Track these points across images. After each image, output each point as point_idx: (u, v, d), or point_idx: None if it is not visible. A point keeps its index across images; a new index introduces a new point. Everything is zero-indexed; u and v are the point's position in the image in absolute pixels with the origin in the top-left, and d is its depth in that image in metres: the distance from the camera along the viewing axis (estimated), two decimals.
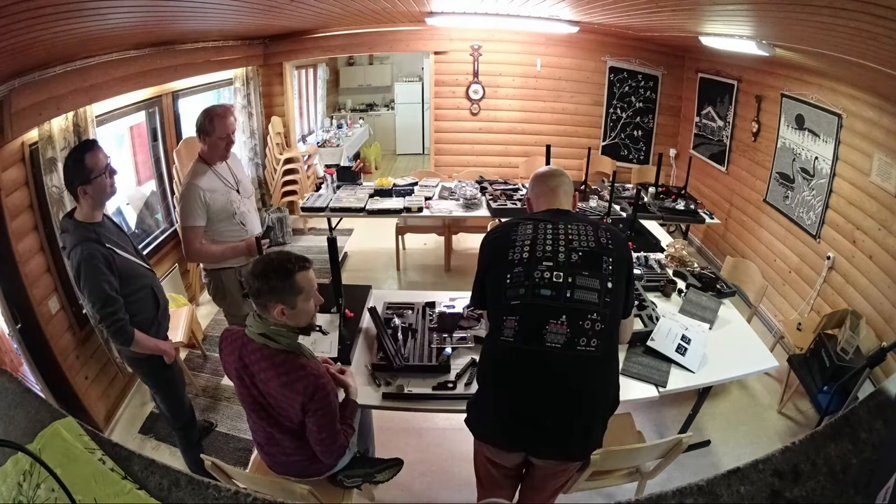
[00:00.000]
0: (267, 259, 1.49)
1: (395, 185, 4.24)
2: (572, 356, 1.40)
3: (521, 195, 3.99)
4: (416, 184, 4.33)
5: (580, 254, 1.47)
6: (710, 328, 2.34)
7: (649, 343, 2.15)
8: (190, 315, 3.14)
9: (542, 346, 1.40)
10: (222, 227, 2.39)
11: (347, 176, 4.41)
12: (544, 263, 1.46)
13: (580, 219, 1.59)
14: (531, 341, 1.42)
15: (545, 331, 1.40)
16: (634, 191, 4.03)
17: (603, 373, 1.46)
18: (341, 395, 1.75)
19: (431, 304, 2.42)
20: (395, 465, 1.97)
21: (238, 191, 2.46)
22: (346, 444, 1.63)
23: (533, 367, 1.42)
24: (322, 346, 2.13)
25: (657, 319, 2.28)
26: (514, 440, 1.51)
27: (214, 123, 2.28)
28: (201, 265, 2.65)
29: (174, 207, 3.74)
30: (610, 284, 1.45)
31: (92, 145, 1.87)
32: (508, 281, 1.48)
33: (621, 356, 2.13)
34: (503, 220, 1.58)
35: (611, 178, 3.68)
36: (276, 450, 1.67)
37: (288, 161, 5.22)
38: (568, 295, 1.42)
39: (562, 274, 1.44)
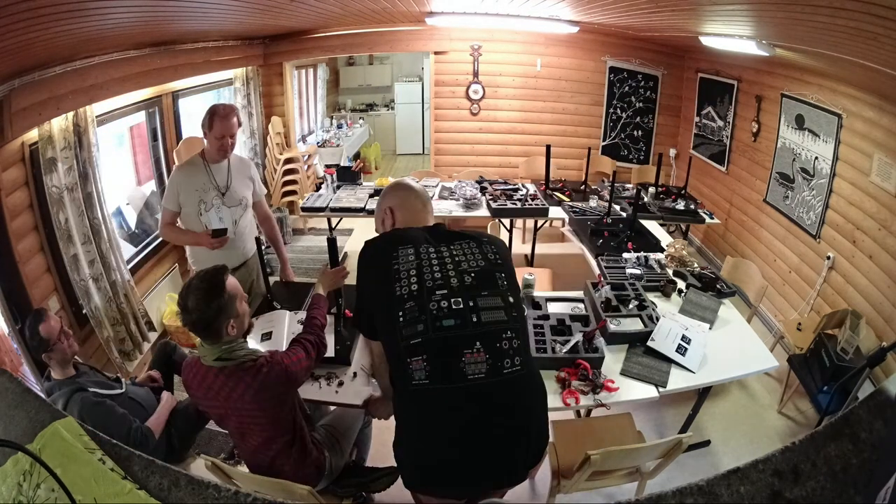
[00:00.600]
0: (195, 286, 1.45)
1: None
2: (500, 381, 1.27)
3: (521, 195, 3.99)
4: None
5: (472, 275, 1.36)
6: (710, 328, 2.34)
7: (649, 343, 2.15)
8: None
9: (464, 380, 1.24)
10: (189, 220, 2.47)
11: (347, 176, 4.41)
12: (438, 293, 1.32)
13: (459, 235, 1.50)
14: (451, 378, 1.25)
15: (462, 363, 1.25)
16: (634, 191, 4.03)
17: (531, 383, 1.36)
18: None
19: None
20: (391, 473, 1.96)
21: (223, 194, 2.46)
22: (319, 348, 1.76)
23: (461, 406, 1.26)
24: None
25: (657, 319, 2.28)
26: (459, 491, 1.34)
27: (214, 122, 2.32)
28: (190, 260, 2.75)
29: None
30: (511, 299, 1.37)
31: (41, 316, 1.85)
32: (402, 320, 1.30)
33: (621, 356, 2.14)
34: (382, 239, 1.51)
35: (611, 178, 3.68)
36: (263, 460, 1.68)
37: (288, 161, 5.22)
38: (475, 319, 1.29)
39: (461, 299, 1.31)
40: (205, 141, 2.41)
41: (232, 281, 1.52)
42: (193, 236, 2.47)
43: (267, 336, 2.09)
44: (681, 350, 2.11)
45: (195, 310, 1.43)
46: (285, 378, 1.55)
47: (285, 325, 2.16)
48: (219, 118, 2.31)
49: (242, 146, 4.90)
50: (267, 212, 2.79)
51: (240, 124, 2.46)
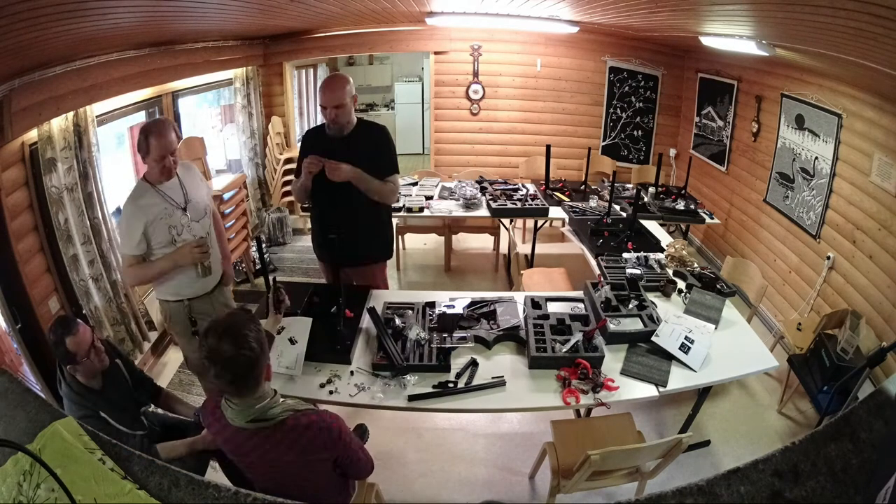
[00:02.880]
0: (226, 328, 1.25)
1: None
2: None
3: (521, 195, 3.99)
4: (416, 184, 4.33)
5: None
6: (715, 328, 2.33)
7: (654, 339, 2.16)
8: None
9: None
10: (163, 251, 2.12)
11: None
12: None
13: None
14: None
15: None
16: (634, 191, 4.03)
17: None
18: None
19: (431, 304, 2.42)
20: None
21: (185, 209, 2.15)
22: (368, 457, 1.56)
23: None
24: (287, 359, 2.00)
25: (658, 320, 2.28)
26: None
27: (150, 142, 2.00)
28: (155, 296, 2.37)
29: None
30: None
31: (70, 328, 1.66)
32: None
33: (621, 356, 2.14)
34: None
35: (611, 178, 3.68)
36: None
37: (288, 161, 5.21)
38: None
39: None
40: (145, 165, 2.10)
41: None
42: (171, 258, 2.11)
43: (294, 341, 2.06)
44: (684, 349, 2.11)
45: (235, 355, 1.22)
46: (333, 443, 1.38)
47: (307, 333, 2.12)
48: (154, 137, 1.99)
49: (243, 146, 4.90)
50: (216, 209, 2.52)
51: (179, 138, 2.16)
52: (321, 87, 2.32)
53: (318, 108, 2.26)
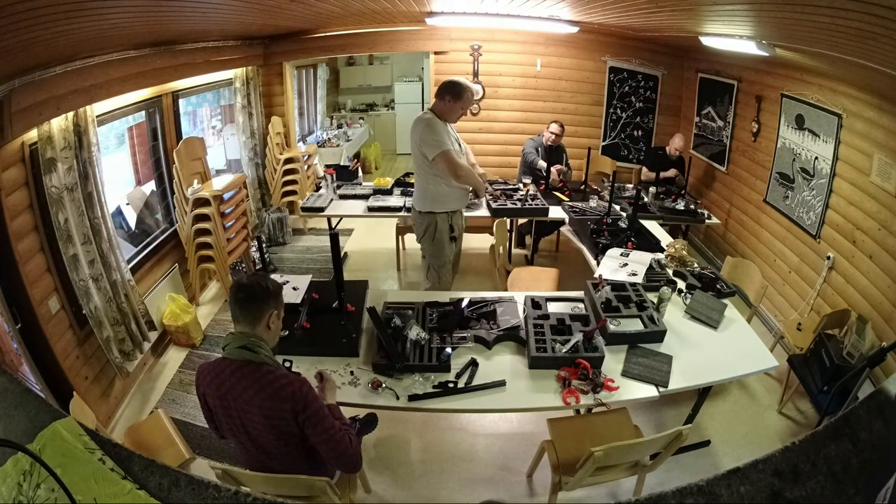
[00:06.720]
0: (256, 274, 1.70)
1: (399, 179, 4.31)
2: None
3: (521, 195, 3.99)
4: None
5: None
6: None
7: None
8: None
9: None
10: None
11: (346, 175, 4.44)
12: None
13: None
14: None
15: None
16: (634, 191, 4.03)
17: None
18: None
19: (431, 304, 2.42)
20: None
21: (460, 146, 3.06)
22: (352, 444, 1.58)
23: None
24: None
25: (657, 321, 2.28)
26: None
27: (465, 95, 2.83)
28: (413, 207, 3.14)
29: (174, 207, 3.74)
30: None
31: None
32: None
33: (621, 356, 2.14)
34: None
35: (611, 178, 3.68)
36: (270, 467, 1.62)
37: (288, 161, 5.22)
38: None
39: None
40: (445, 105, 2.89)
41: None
42: (477, 179, 3.13)
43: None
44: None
45: (256, 285, 1.51)
46: (296, 396, 1.46)
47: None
48: (470, 94, 2.89)
49: (243, 146, 4.90)
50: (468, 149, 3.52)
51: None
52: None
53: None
